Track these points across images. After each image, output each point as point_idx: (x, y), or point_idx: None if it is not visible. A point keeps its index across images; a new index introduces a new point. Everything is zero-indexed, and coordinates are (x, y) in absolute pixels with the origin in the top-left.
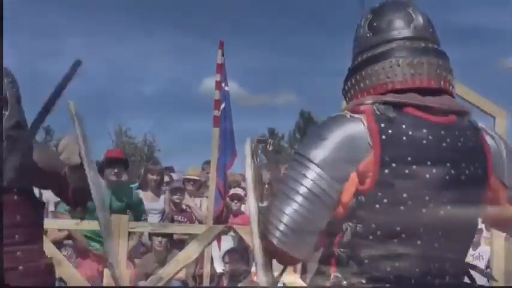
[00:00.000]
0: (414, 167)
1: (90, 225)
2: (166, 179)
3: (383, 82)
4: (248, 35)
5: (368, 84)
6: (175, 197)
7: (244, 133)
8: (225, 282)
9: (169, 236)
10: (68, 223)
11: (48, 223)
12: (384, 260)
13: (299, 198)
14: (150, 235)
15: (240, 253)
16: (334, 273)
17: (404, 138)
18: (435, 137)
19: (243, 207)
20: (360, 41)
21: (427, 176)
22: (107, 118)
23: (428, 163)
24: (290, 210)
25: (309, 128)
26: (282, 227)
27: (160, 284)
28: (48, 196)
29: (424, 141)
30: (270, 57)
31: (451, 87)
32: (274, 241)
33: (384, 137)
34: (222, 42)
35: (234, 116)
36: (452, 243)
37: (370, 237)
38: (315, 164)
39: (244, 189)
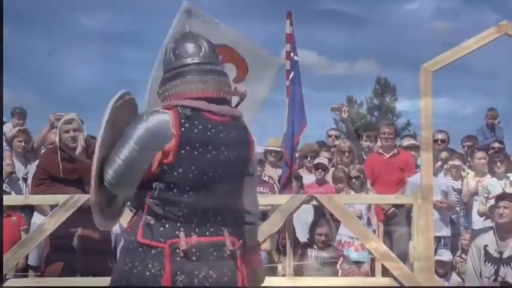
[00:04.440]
0: (200, 149)
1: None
2: None
3: (183, 92)
4: (327, 3)
5: (173, 92)
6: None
7: (323, 102)
8: (309, 252)
9: None
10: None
11: None
12: (179, 205)
13: (121, 160)
14: None
15: (326, 222)
16: (147, 216)
17: (195, 130)
18: (216, 130)
19: (327, 177)
20: (166, 62)
21: (208, 155)
22: None
23: (210, 147)
24: (115, 166)
25: (136, 116)
26: (109, 175)
27: None
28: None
29: (208, 133)
30: (349, 24)
31: (227, 96)
32: (105, 182)
33: (182, 128)
34: (290, 12)
35: (313, 85)
36: (226, 194)
37: (170, 192)
38: (134, 142)
39: (328, 159)
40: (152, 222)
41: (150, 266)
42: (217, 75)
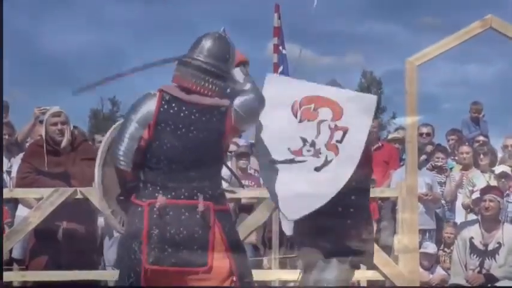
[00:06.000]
0: (173, 126)
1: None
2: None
3: (178, 77)
4: None
5: (174, 75)
6: (241, 162)
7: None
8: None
9: (237, 200)
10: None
11: None
12: (157, 172)
13: (127, 138)
14: None
15: None
16: (134, 181)
17: (171, 111)
18: (188, 112)
19: None
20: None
21: (179, 132)
22: None
23: (180, 126)
24: (124, 144)
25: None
26: (121, 152)
27: None
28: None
29: (181, 114)
30: (336, 17)
31: (205, 91)
32: (118, 162)
33: (161, 109)
34: (278, 5)
35: (299, 78)
36: (197, 166)
37: (150, 162)
38: (135, 121)
39: None
40: (140, 185)
41: (136, 221)
42: (203, 73)
